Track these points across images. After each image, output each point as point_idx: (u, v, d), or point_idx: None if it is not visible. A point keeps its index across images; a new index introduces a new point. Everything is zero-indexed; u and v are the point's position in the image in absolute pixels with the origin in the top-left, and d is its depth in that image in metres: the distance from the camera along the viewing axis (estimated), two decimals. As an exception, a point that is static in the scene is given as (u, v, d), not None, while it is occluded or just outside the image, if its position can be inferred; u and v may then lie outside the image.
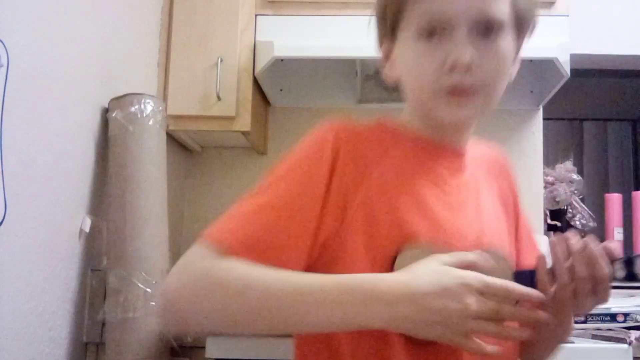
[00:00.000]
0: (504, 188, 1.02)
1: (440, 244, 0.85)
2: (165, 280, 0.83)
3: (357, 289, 0.76)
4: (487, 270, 0.78)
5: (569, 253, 0.81)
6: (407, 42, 0.89)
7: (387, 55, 0.96)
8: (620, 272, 0.82)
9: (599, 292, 0.82)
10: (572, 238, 0.82)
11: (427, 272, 0.77)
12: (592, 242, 0.81)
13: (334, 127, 0.90)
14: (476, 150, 1.01)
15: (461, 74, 0.85)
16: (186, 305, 0.80)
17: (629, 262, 0.82)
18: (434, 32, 0.86)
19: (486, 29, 0.86)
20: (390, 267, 0.83)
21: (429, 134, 0.95)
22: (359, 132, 0.92)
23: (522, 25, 0.92)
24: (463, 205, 0.92)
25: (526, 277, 0.83)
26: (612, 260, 0.82)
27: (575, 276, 0.81)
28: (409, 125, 0.96)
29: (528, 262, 0.94)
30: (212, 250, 0.81)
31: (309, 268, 0.84)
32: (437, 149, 0.94)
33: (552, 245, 0.82)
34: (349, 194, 0.86)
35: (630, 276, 0.82)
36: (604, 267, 0.80)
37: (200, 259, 0.81)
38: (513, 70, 0.95)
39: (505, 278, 0.79)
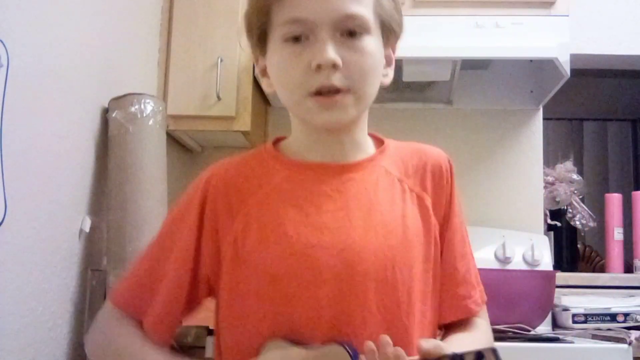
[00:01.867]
0: (437, 193, 0.97)
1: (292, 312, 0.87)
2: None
3: None
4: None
5: None
6: (275, 51, 0.91)
7: (263, 72, 0.97)
8: None
9: None
10: (387, 346, 0.77)
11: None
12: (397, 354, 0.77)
13: (207, 173, 0.97)
14: (403, 155, 0.98)
15: (327, 73, 0.86)
16: (92, 357, 1.00)
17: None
18: (299, 37, 0.88)
19: (349, 30, 0.88)
20: None
21: (311, 152, 0.95)
22: (234, 167, 0.97)
23: (388, 30, 0.93)
24: (334, 223, 0.89)
25: None
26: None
27: None
28: (292, 146, 0.98)
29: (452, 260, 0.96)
30: (112, 308, 0.97)
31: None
32: (315, 169, 0.94)
33: (368, 351, 0.79)
34: (221, 234, 0.92)
35: None
36: None
37: (104, 319, 0.98)
38: (388, 72, 0.96)
39: None
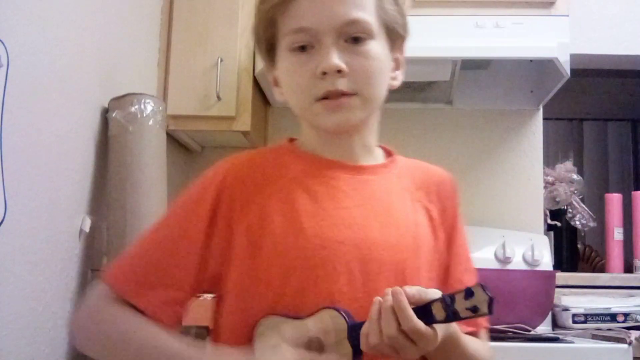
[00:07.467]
0: (443, 208, 0.99)
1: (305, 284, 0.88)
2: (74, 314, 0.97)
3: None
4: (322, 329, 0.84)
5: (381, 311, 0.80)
6: (283, 61, 0.94)
7: (275, 82, 0.99)
8: (440, 315, 0.78)
9: (418, 342, 0.79)
10: (388, 293, 0.80)
11: (263, 347, 0.85)
12: (398, 294, 0.79)
13: (224, 163, 0.96)
14: (411, 169, 1.01)
15: (333, 79, 0.88)
16: (83, 342, 0.96)
17: (447, 301, 0.77)
18: (305, 46, 0.90)
19: (352, 36, 0.90)
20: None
21: (323, 151, 0.97)
22: (251, 159, 0.97)
23: (393, 33, 0.95)
24: (350, 219, 0.91)
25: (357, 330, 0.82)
26: (426, 305, 0.79)
27: (384, 334, 0.78)
28: (305, 146, 0.99)
29: (459, 277, 0.97)
30: (107, 290, 0.93)
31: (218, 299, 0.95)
32: (331, 165, 0.95)
33: (373, 304, 0.81)
34: (234, 225, 0.91)
35: (453, 315, 0.77)
36: (408, 320, 0.77)
37: (96, 299, 0.94)
38: (396, 75, 0.98)
39: (340, 333, 0.83)
